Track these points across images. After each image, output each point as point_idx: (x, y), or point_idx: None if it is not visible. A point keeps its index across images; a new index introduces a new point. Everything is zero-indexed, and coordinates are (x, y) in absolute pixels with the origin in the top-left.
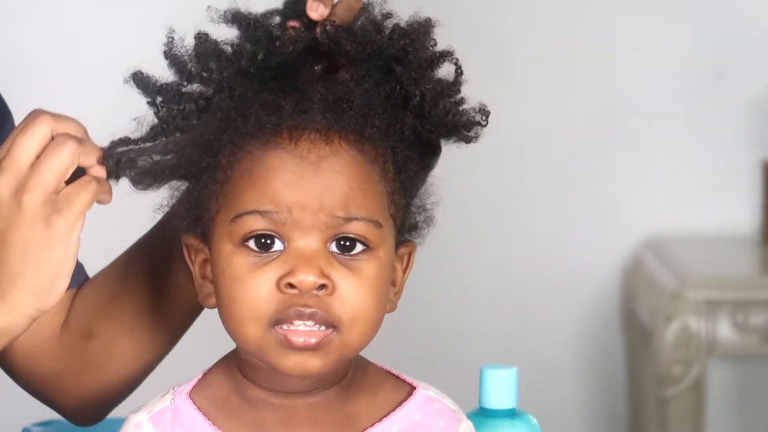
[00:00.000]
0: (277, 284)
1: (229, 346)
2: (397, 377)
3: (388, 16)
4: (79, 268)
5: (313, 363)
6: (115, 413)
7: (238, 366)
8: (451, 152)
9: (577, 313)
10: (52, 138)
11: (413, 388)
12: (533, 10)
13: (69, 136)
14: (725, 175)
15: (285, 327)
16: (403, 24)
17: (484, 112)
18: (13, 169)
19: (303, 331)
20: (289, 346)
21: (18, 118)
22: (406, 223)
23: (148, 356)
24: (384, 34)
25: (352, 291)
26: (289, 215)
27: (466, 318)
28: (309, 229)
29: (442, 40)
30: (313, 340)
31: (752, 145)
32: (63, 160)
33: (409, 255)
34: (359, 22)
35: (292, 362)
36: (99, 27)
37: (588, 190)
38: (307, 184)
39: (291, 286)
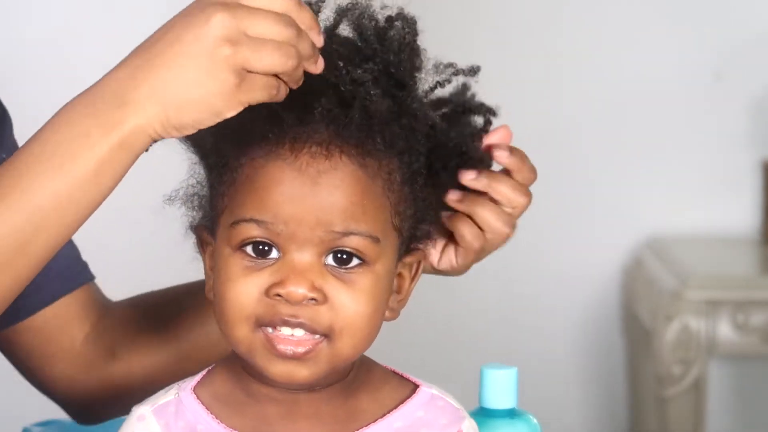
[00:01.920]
0: (266, 291)
1: None
2: (401, 376)
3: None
4: (83, 268)
5: (301, 373)
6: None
7: (242, 362)
8: None
9: (577, 313)
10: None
11: (416, 386)
12: (534, 11)
13: (297, 54)
14: (725, 175)
15: (270, 330)
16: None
17: (487, 121)
18: (241, 25)
19: (291, 340)
20: (274, 352)
21: (17, 117)
22: (415, 232)
23: (168, 376)
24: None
25: (345, 301)
26: (285, 227)
27: (466, 318)
28: (304, 243)
29: (440, 38)
30: (300, 350)
31: (752, 145)
32: (278, 65)
33: (418, 264)
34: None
35: (278, 370)
36: (99, 26)
37: (588, 190)
38: (305, 199)
39: (279, 295)
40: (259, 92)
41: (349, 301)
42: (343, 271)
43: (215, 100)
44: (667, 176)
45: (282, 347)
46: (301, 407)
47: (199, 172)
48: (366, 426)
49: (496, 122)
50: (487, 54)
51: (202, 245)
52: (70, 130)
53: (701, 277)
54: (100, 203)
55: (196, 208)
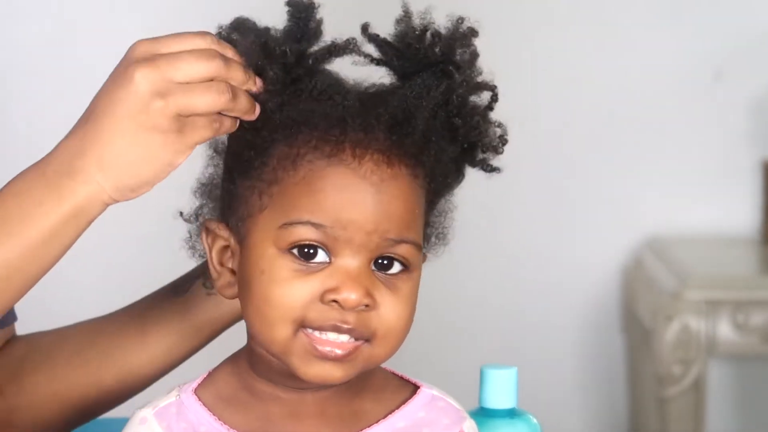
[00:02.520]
0: (321, 296)
1: (236, 346)
2: (402, 378)
3: (427, 27)
4: (10, 310)
5: (336, 373)
6: (119, 413)
7: (249, 360)
8: None
9: (577, 313)
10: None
11: (417, 387)
12: (534, 10)
13: (230, 87)
14: (725, 175)
15: (314, 333)
16: (443, 30)
17: (503, 140)
18: (166, 74)
19: (333, 341)
20: (315, 353)
21: (17, 117)
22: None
23: (65, 414)
24: (426, 43)
25: (391, 307)
26: (343, 232)
27: (466, 318)
28: (359, 248)
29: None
30: (340, 352)
31: (752, 145)
32: (213, 104)
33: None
34: (399, 36)
35: (315, 371)
36: (99, 26)
37: (588, 190)
38: (367, 205)
39: (335, 301)
40: (203, 131)
41: (395, 306)
42: (388, 276)
43: (161, 153)
44: (667, 176)
45: (322, 348)
46: (306, 407)
47: (217, 163)
48: (369, 426)
49: (494, 116)
50: (486, 54)
51: (208, 238)
52: (21, 200)
53: (701, 277)
54: (48, 269)
55: (213, 200)
